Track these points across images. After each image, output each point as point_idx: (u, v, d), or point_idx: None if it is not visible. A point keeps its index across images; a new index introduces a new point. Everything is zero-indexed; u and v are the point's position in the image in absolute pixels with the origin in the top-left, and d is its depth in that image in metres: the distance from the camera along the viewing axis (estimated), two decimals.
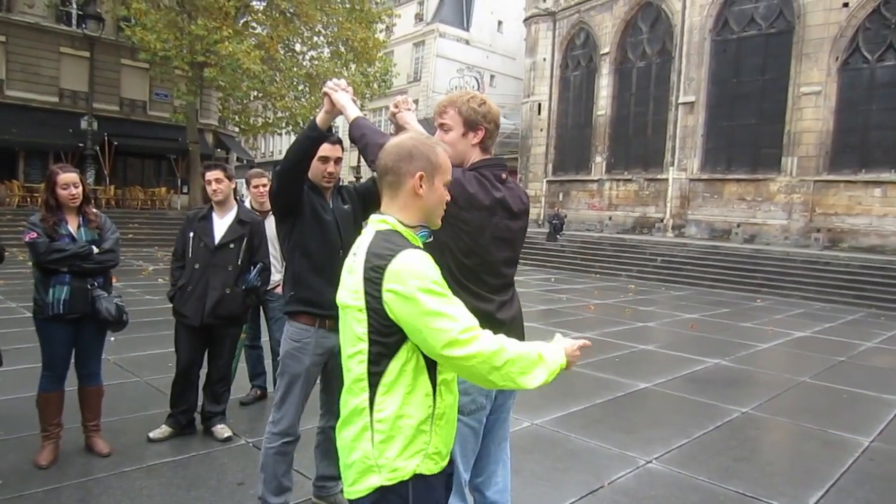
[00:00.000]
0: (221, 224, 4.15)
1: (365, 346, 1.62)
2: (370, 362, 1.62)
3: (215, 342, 4.23)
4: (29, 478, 3.47)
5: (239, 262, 4.11)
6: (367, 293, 1.60)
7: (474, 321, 1.61)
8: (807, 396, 6.21)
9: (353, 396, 1.66)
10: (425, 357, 1.64)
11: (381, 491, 1.63)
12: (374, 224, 1.72)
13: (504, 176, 2.38)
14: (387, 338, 1.61)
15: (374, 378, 1.63)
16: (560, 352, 1.72)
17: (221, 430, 4.23)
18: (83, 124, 21.48)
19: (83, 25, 21.88)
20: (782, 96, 20.69)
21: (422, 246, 1.72)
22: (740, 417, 5.33)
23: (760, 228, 21.30)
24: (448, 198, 1.85)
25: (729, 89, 22.42)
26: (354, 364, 1.65)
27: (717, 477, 4.01)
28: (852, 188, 19.48)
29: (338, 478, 3.27)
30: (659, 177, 24.46)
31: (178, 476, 3.64)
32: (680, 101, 23.50)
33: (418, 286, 1.55)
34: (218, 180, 4.11)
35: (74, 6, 24.49)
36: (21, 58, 23.65)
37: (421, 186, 1.72)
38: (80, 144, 22.21)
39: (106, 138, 23.49)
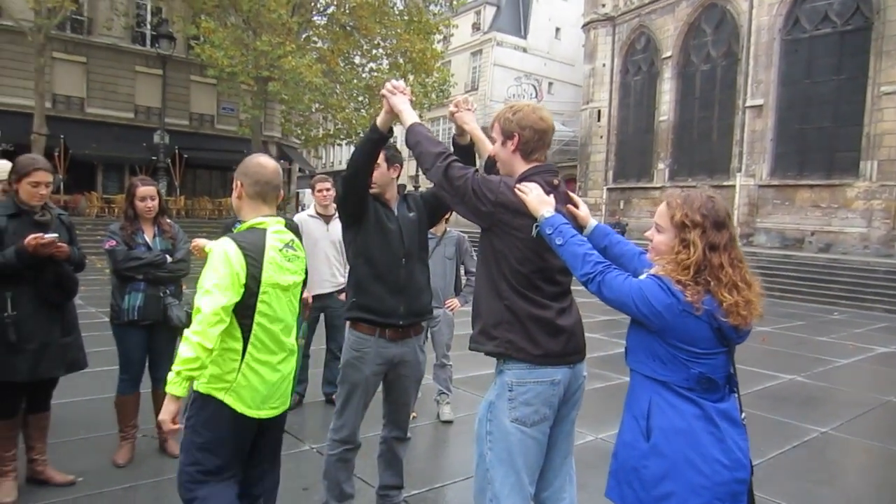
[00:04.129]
0: None
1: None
2: None
3: None
4: (108, 475, 3.63)
5: None
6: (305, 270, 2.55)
7: None
8: (893, 417, 5.84)
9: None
10: None
11: None
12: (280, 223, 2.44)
13: (556, 182, 2.35)
14: None
15: None
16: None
17: None
18: (156, 138, 22.42)
19: (156, 45, 22.88)
20: (860, 97, 19.67)
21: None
22: (819, 438, 5.05)
23: (836, 237, 20.28)
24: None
25: (801, 91, 21.51)
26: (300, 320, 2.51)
27: (797, 501, 3.81)
28: None
29: (400, 486, 3.26)
30: (725, 183, 23.64)
31: None
32: (747, 104, 22.70)
33: None
34: None
35: (148, 27, 25.72)
36: (100, 77, 25.01)
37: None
38: (154, 157, 23.18)
39: (177, 151, 24.46)
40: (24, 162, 3.31)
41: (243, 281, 2.20)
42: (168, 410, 2.12)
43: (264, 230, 2.33)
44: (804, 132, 21.44)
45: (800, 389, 6.64)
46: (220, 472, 2.30)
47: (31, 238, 3.07)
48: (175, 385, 2.10)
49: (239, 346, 2.26)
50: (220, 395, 2.25)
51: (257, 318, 2.26)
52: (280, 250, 2.33)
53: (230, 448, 2.31)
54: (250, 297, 2.23)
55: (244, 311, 2.24)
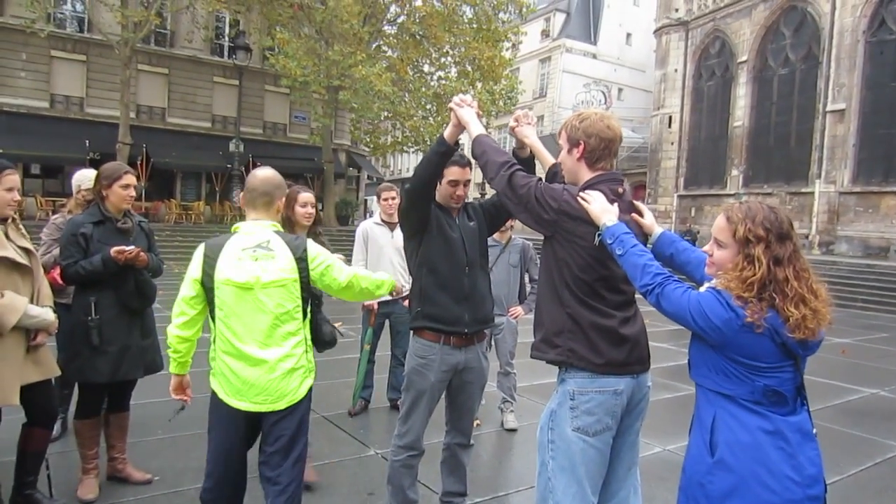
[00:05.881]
0: None
1: (300, 300, 2.51)
2: (303, 309, 2.53)
3: None
4: (184, 474, 3.77)
5: None
6: (300, 269, 2.48)
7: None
8: None
9: (293, 336, 2.49)
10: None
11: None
12: (269, 227, 2.56)
13: (621, 190, 2.34)
14: (306, 292, 2.55)
15: (303, 316, 2.55)
16: None
17: None
18: (231, 147, 23.33)
19: (233, 56, 23.87)
20: None
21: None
22: None
23: None
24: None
25: (887, 95, 20.38)
26: (294, 314, 2.49)
27: None
28: None
29: (464, 493, 3.27)
30: (803, 190, 22.64)
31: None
32: (828, 108, 21.68)
33: (327, 258, 2.62)
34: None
35: (227, 39, 26.84)
36: (181, 88, 26.24)
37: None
38: (229, 165, 24.13)
39: (251, 159, 25.33)
40: (114, 167, 3.53)
41: (197, 277, 2.48)
42: (171, 385, 2.64)
43: (234, 232, 2.55)
44: (890, 137, 20.29)
45: (883, 404, 6.28)
46: (211, 460, 2.54)
47: (115, 251, 3.25)
48: (171, 364, 2.60)
49: (212, 336, 2.53)
50: (211, 378, 2.54)
51: (217, 312, 2.47)
52: (244, 249, 2.46)
53: (217, 434, 2.53)
54: (208, 292, 2.47)
55: (210, 305, 2.51)
